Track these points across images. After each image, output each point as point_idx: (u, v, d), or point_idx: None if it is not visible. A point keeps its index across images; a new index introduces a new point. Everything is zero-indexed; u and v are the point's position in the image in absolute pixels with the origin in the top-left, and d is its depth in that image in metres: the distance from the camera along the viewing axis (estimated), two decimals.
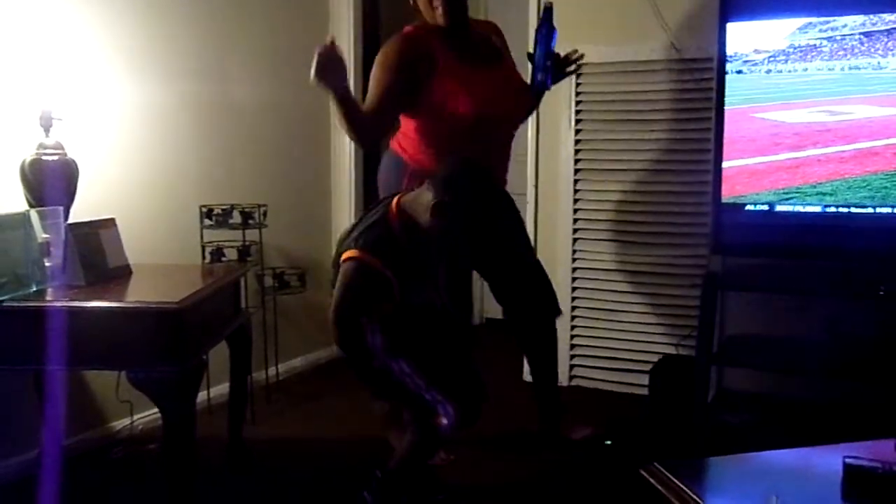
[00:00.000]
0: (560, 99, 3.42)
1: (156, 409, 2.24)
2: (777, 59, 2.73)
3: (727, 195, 2.82)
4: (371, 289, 2.10)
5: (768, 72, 2.75)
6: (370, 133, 2.44)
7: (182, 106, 3.13)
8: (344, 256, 2.11)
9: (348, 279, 2.08)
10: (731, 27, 2.78)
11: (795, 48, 2.71)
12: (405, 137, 2.58)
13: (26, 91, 2.44)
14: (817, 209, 2.72)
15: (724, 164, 2.81)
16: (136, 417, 2.87)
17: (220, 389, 3.04)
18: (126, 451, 2.80)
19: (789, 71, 2.73)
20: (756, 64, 2.76)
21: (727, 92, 2.79)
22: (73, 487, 2.41)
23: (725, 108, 2.80)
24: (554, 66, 2.63)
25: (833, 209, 2.70)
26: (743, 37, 2.77)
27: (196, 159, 3.21)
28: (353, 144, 3.86)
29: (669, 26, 3.18)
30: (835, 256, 2.71)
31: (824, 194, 2.71)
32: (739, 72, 2.78)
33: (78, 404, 2.76)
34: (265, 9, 3.55)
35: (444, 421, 2.15)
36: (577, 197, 3.43)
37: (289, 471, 2.73)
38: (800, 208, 2.75)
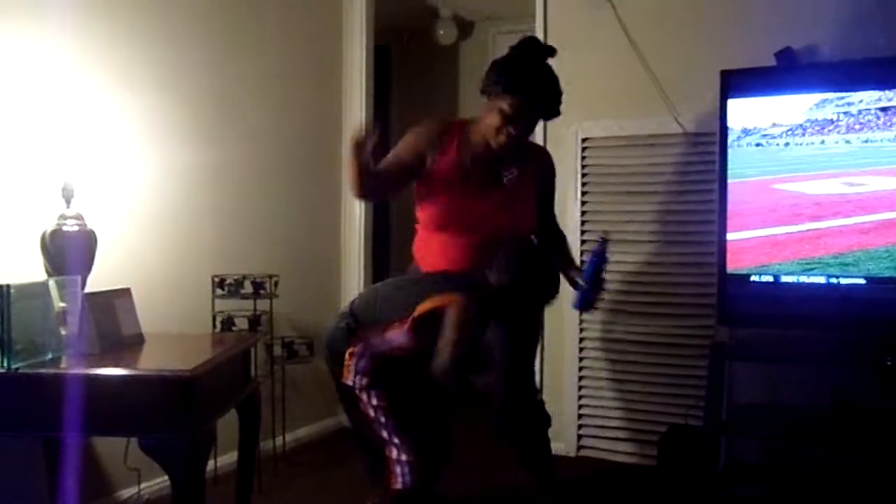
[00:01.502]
0: (566, 171, 3.49)
1: (163, 477, 2.25)
2: (795, 132, 2.81)
3: (749, 265, 2.85)
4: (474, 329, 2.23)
5: (787, 144, 2.83)
6: (369, 184, 2.45)
7: (196, 174, 3.21)
8: (442, 302, 2.21)
9: (464, 322, 2.19)
10: (733, 103, 2.86)
11: (812, 122, 2.79)
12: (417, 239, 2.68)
13: (48, 162, 2.51)
14: (821, 280, 2.76)
15: (745, 235, 2.86)
16: (143, 486, 2.86)
17: (227, 459, 3.03)
18: None
19: (808, 144, 2.80)
20: (774, 137, 2.83)
21: (746, 164, 2.87)
22: None
23: (745, 179, 2.87)
24: (595, 294, 2.63)
25: (845, 280, 2.73)
26: (760, 111, 2.85)
27: (209, 229, 3.28)
28: (363, 217, 3.96)
29: (673, 102, 3.27)
30: (840, 327, 2.73)
31: (847, 265, 2.74)
32: (759, 145, 2.86)
33: (85, 472, 2.75)
34: (280, 77, 3.66)
35: (398, 485, 2.17)
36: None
37: None
38: (804, 279, 2.79)
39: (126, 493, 2.90)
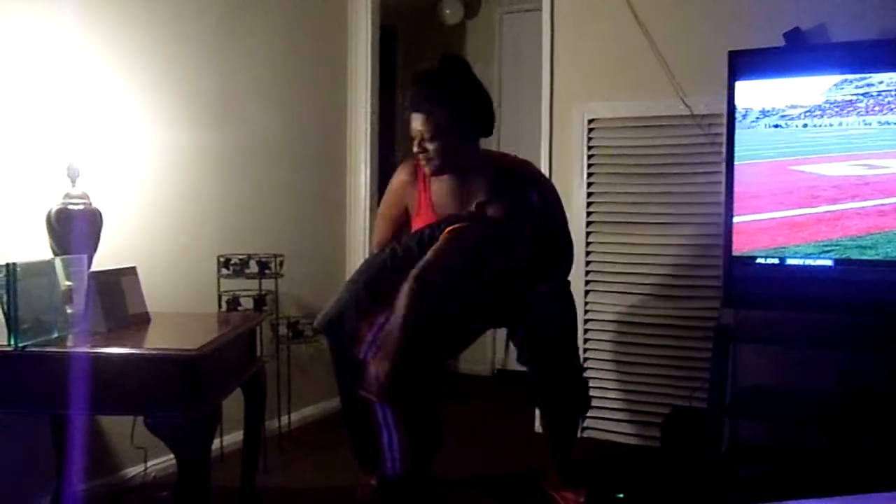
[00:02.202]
0: (572, 153, 3.49)
1: (169, 456, 2.26)
2: (813, 114, 2.78)
3: (765, 246, 2.83)
4: (468, 254, 2.28)
5: (805, 126, 2.80)
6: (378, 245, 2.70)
7: (202, 156, 3.21)
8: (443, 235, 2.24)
9: (448, 242, 2.25)
10: (741, 85, 2.84)
11: (832, 103, 2.75)
12: None
13: (54, 142, 2.51)
14: (830, 262, 2.75)
15: (761, 216, 2.84)
16: (149, 464, 2.88)
17: (233, 438, 3.05)
18: (139, 499, 2.81)
19: (826, 125, 2.77)
20: (793, 118, 2.80)
21: (764, 145, 2.84)
22: None
23: (763, 160, 2.85)
24: None
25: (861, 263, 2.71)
26: (778, 92, 2.82)
27: (215, 209, 3.28)
28: (368, 197, 3.96)
29: (681, 83, 3.25)
30: (846, 309, 2.72)
31: (864, 248, 2.72)
32: (777, 126, 2.82)
33: (92, 450, 2.77)
34: (286, 58, 3.65)
35: (387, 470, 2.17)
36: (589, 249, 3.47)
37: None
38: (810, 262, 2.78)
39: (132, 471, 2.92)
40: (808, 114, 2.78)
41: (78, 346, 2.10)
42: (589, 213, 3.47)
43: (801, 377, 3.02)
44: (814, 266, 2.77)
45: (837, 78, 2.74)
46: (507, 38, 4.73)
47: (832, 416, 2.76)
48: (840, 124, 2.75)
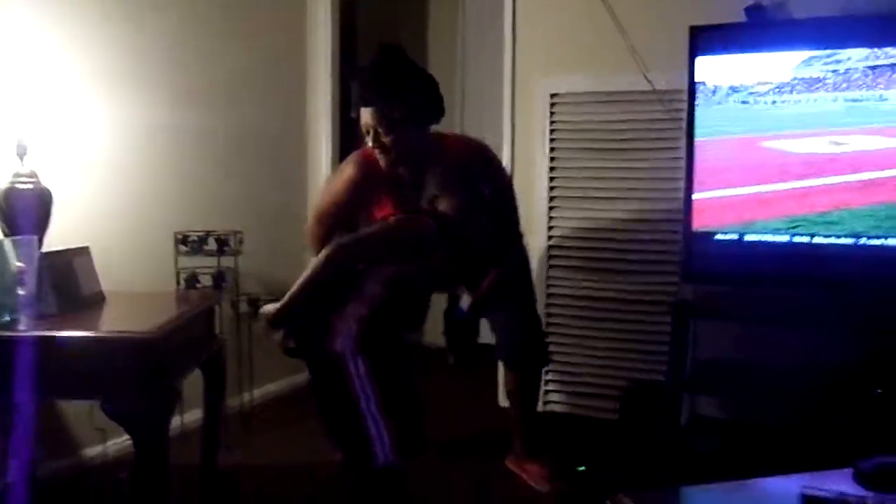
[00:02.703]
0: (535, 127, 3.47)
1: (126, 436, 2.22)
2: (782, 90, 2.79)
3: (732, 222, 2.86)
4: (405, 245, 2.21)
5: (773, 102, 2.81)
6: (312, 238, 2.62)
7: (157, 132, 3.14)
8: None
9: (390, 225, 2.19)
10: (703, 60, 2.85)
11: (800, 80, 2.76)
12: None
13: (1, 119, 2.44)
14: (786, 238, 2.78)
15: (730, 192, 2.86)
16: (109, 444, 2.85)
17: (193, 416, 3.03)
18: (99, 479, 2.79)
19: (795, 102, 2.78)
20: (762, 95, 2.81)
21: (733, 121, 2.85)
22: None
23: (731, 136, 2.87)
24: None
25: (851, 240, 2.73)
26: (747, 69, 2.82)
27: (171, 185, 3.22)
28: (328, 170, 3.91)
29: (644, 58, 3.24)
30: (803, 285, 2.76)
31: (831, 223, 2.75)
32: (745, 102, 2.83)
33: (50, 431, 2.74)
34: (243, 34, 3.58)
35: (379, 460, 2.14)
36: (551, 224, 3.47)
37: (263, 498, 2.73)
38: (769, 237, 2.81)
39: (92, 451, 2.89)
40: (776, 90, 2.79)
41: (30, 330, 2.05)
42: (552, 188, 3.47)
43: (760, 352, 3.06)
44: (771, 242, 2.80)
45: (806, 54, 2.75)
46: (470, 10, 4.67)
47: (789, 392, 2.81)
48: (808, 101, 2.76)
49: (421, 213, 2.26)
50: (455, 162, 2.56)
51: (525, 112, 3.52)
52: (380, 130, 2.38)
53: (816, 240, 2.76)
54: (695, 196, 2.89)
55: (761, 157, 2.85)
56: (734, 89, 2.84)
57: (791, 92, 2.77)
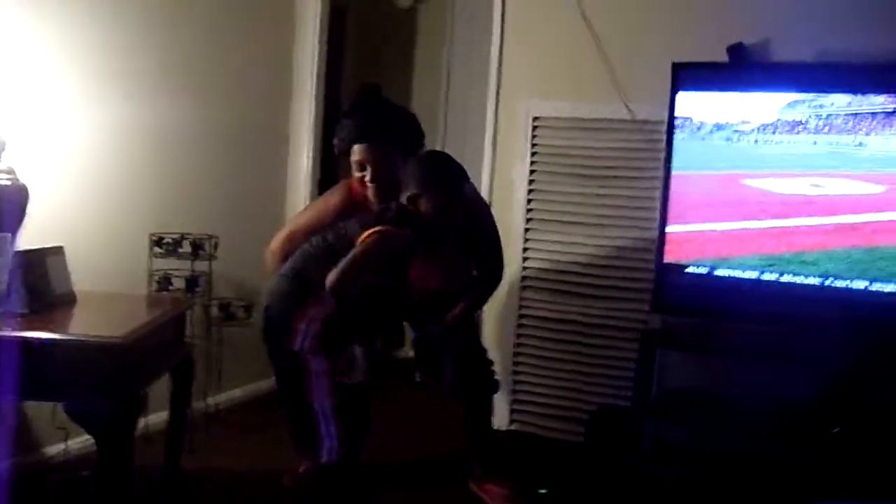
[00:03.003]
0: (516, 149, 3.50)
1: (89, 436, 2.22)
2: (766, 130, 2.84)
3: (710, 256, 2.90)
4: (385, 260, 2.31)
5: (756, 142, 2.85)
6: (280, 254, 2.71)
7: (136, 132, 3.13)
8: (367, 234, 2.28)
9: (369, 247, 2.27)
10: (688, 96, 2.89)
11: (784, 122, 2.81)
12: None
13: None
14: (764, 276, 2.83)
15: (708, 227, 2.91)
16: (70, 442, 2.83)
17: (158, 417, 3.00)
18: (60, 477, 2.76)
19: (777, 142, 2.83)
20: (745, 133, 2.86)
21: (716, 157, 2.90)
22: None
23: (713, 172, 2.92)
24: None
25: (818, 280, 2.78)
26: (732, 107, 2.87)
27: (148, 186, 3.21)
28: (309, 180, 3.92)
29: (627, 88, 3.28)
30: (771, 322, 2.80)
31: (806, 263, 2.79)
32: (728, 139, 2.88)
33: (10, 428, 2.72)
34: (229, 38, 3.57)
35: (323, 458, 2.22)
36: (526, 246, 3.49)
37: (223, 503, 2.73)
38: (740, 273, 2.86)
39: (53, 449, 2.86)
40: (760, 130, 2.84)
41: None
42: (529, 210, 3.49)
43: (725, 384, 3.10)
44: (742, 278, 2.85)
45: (791, 97, 2.80)
46: (458, 24, 4.69)
47: (750, 424, 2.85)
48: (790, 142, 2.81)
49: (394, 220, 2.31)
50: (438, 157, 2.69)
51: (507, 133, 3.54)
52: (368, 165, 2.57)
53: (787, 278, 2.80)
54: (671, 229, 2.93)
55: (741, 195, 2.90)
56: (719, 126, 2.89)
57: (774, 132, 2.83)
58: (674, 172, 2.92)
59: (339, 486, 2.35)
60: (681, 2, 3.24)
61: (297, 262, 2.49)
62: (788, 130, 2.81)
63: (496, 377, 3.00)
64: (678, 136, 2.92)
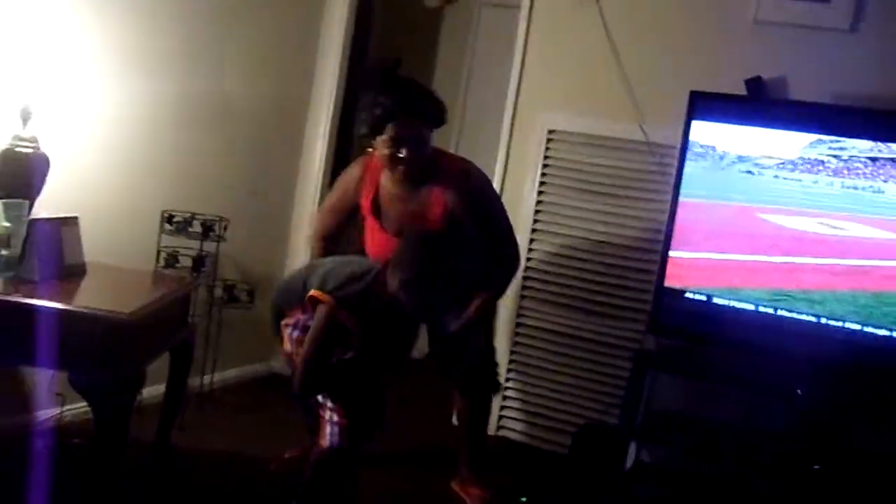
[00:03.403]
0: (528, 160, 3.54)
1: (84, 403, 2.26)
2: (785, 166, 2.87)
3: (718, 285, 2.93)
4: (336, 340, 2.26)
5: (776, 177, 2.88)
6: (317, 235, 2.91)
7: (156, 108, 3.17)
8: (320, 297, 2.24)
9: (320, 332, 2.23)
10: (703, 126, 2.94)
11: (804, 160, 2.84)
12: None
13: (8, 81, 2.47)
14: (768, 310, 2.86)
15: (722, 256, 2.95)
16: (65, 408, 2.87)
17: (152, 391, 3.03)
18: (51, 442, 2.80)
19: (796, 180, 2.86)
20: (766, 168, 2.89)
21: (734, 189, 2.94)
22: None
23: (731, 203, 2.95)
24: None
25: (814, 318, 2.82)
26: (754, 140, 2.90)
27: (164, 163, 3.25)
28: (321, 169, 3.96)
29: (643, 110, 3.32)
30: (763, 353, 2.85)
31: (813, 302, 2.82)
32: (749, 172, 2.91)
33: (8, 389, 2.77)
34: (256, 16, 3.60)
35: (325, 443, 2.28)
36: (529, 256, 3.53)
37: (210, 482, 2.78)
38: (738, 304, 2.90)
39: (47, 413, 2.91)
40: (780, 166, 2.87)
41: (8, 294, 2.09)
42: (535, 222, 3.53)
43: (712, 410, 3.15)
44: (739, 308, 2.89)
45: (813, 137, 2.83)
46: (482, 31, 4.74)
47: (732, 451, 2.90)
48: (808, 181, 2.84)
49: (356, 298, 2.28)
50: (450, 171, 2.69)
51: (521, 143, 3.58)
52: (415, 141, 2.54)
53: (793, 315, 2.84)
54: (679, 254, 2.97)
55: (756, 228, 2.93)
56: (741, 158, 2.92)
57: (794, 170, 2.86)
58: (690, 200, 2.96)
59: (334, 473, 2.40)
60: (702, 31, 3.27)
61: (308, 271, 2.52)
62: (808, 169, 2.84)
63: (499, 378, 3.04)
64: (699, 163, 2.96)
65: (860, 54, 3.03)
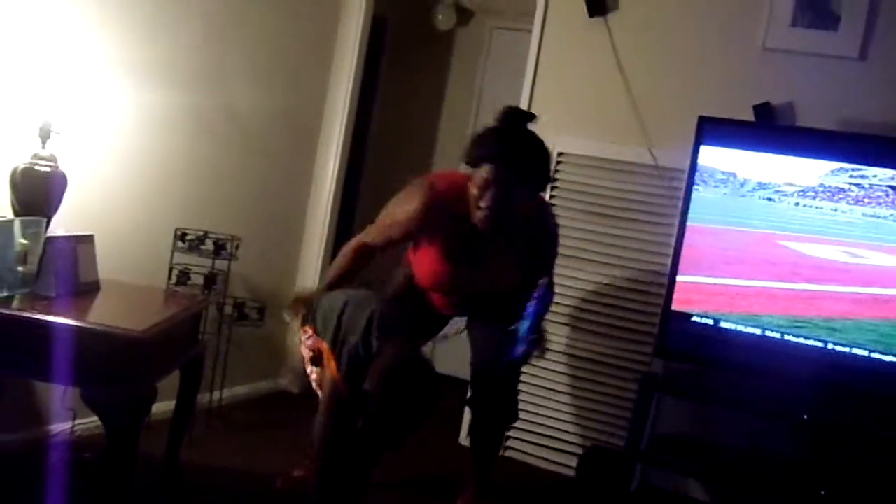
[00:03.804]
0: None
1: (95, 418, 2.28)
2: (807, 194, 2.87)
3: (738, 311, 2.93)
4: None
5: (797, 204, 2.89)
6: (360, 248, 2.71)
7: (174, 126, 3.21)
8: (329, 363, 2.35)
9: (329, 411, 2.39)
10: (714, 151, 2.97)
11: (825, 188, 2.85)
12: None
13: (27, 99, 2.51)
14: (776, 335, 2.88)
15: (743, 282, 2.96)
16: (77, 423, 2.90)
17: (161, 407, 3.04)
18: (62, 456, 2.83)
19: (817, 208, 2.86)
20: (787, 195, 2.90)
21: (755, 215, 2.96)
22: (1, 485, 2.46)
23: (752, 230, 2.97)
24: (533, 343, 2.52)
25: (830, 346, 2.82)
26: (776, 168, 2.92)
27: (178, 181, 3.30)
28: (332, 191, 4.00)
29: (652, 134, 3.36)
30: (768, 377, 2.86)
31: (834, 330, 2.81)
32: (770, 199, 2.92)
33: (18, 402, 2.80)
34: (272, 34, 3.65)
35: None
36: None
37: (218, 498, 2.80)
38: (741, 328, 2.91)
39: (58, 427, 2.93)
40: (801, 193, 2.88)
41: (24, 310, 2.12)
42: None
43: (718, 432, 3.16)
44: (744, 332, 2.91)
45: (835, 164, 2.84)
46: (494, 52, 4.78)
47: (739, 477, 2.90)
48: (829, 209, 2.85)
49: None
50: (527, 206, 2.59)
51: None
52: (501, 190, 2.41)
53: (792, 338, 2.85)
54: (691, 279, 2.98)
55: (776, 255, 2.94)
56: (762, 185, 2.94)
57: (815, 197, 2.86)
58: (702, 224, 2.99)
59: (338, 485, 2.42)
60: (711, 56, 3.31)
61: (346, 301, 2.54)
62: (829, 197, 2.85)
63: (518, 408, 2.97)
64: (720, 189, 2.98)
65: (869, 82, 3.07)
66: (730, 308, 2.95)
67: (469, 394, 2.94)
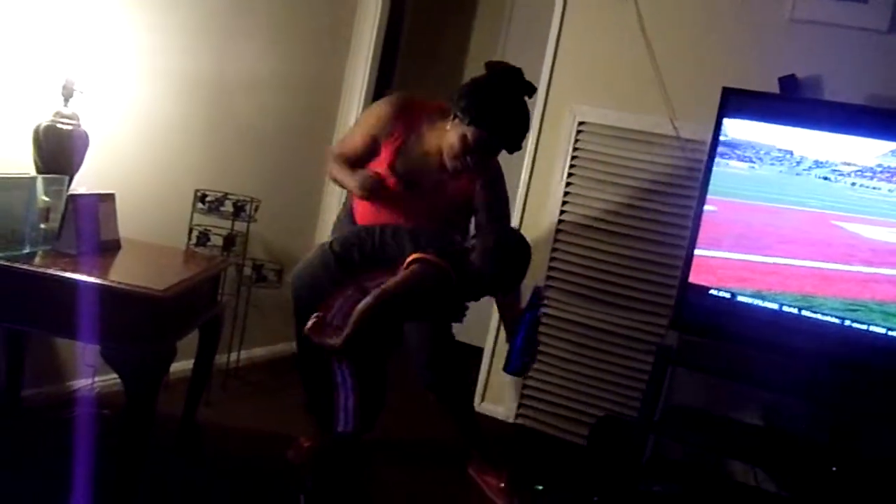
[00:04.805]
0: (558, 151, 3.55)
1: (114, 376, 2.32)
2: (864, 174, 2.81)
3: (793, 290, 2.88)
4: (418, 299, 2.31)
5: (853, 185, 2.83)
6: (341, 157, 2.75)
7: (192, 86, 3.22)
8: (412, 258, 2.29)
9: (411, 282, 2.26)
10: (739, 123, 2.93)
11: (884, 168, 2.79)
12: None
13: (50, 58, 2.52)
14: (794, 311, 2.85)
15: (797, 262, 2.90)
16: (97, 379, 2.94)
17: (179, 366, 3.07)
18: (82, 412, 2.88)
19: (874, 188, 2.80)
20: (843, 175, 2.84)
21: (811, 194, 2.90)
22: (24, 439, 2.50)
23: (807, 209, 2.91)
24: (532, 354, 2.55)
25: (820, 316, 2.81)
26: (834, 146, 2.85)
27: (199, 142, 3.31)
28: None
29: (675, 105, 3.32)
30: (784, 353, 2.84)
31: (889, 314, 2.76)
32: (826, 178, 2.87)
33: (40, 357, 2.84)
34: (294, 13, 3.64)
35: (340, 428, 2.30)
36: (555, 247, 3.55)
37: (233, 458, 2.84)
38: (759, 302, 2.90)
39: (78, 383, 2.98)
40: (858, 173, 2.82)
41: (46, 267, 2.14)
42: (562, 213, 3.54)
43: (731, 406, 3.17)
44: (761, 307, 2.89)
45: (893, 145, 2.78)
46: (516, 19, 4.73)
47: (749, 450, 2.91)
48: (886, 190, 2.79)
49: (455, 257, 2.33)
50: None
51: (551, 134, 3.59)
52: (473, 152, 2.49)
53: (809, 314, 2.83)
54: (710, 253, 2.96)
55: (831, 235, 2.88)
56: (819, 164, 2.88)
57: (872, 178, 2.81)
58: (758, 203, 2.96)
59: (343, 459, 2.43)
60: (737, 27, 3.26)
61: (345, 245, 2.56)
62: (888, 178, 2.79)
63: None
64: (776, 167, 2.93)
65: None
66: (782, 288, 2.90)
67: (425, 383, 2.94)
